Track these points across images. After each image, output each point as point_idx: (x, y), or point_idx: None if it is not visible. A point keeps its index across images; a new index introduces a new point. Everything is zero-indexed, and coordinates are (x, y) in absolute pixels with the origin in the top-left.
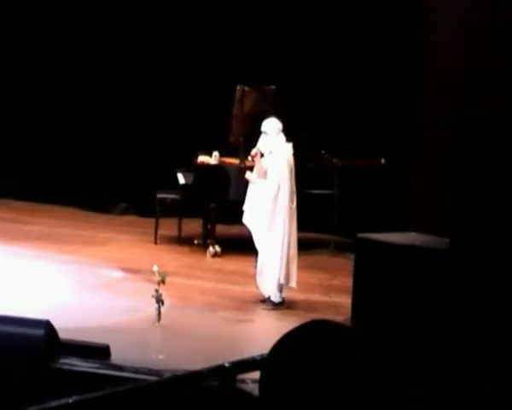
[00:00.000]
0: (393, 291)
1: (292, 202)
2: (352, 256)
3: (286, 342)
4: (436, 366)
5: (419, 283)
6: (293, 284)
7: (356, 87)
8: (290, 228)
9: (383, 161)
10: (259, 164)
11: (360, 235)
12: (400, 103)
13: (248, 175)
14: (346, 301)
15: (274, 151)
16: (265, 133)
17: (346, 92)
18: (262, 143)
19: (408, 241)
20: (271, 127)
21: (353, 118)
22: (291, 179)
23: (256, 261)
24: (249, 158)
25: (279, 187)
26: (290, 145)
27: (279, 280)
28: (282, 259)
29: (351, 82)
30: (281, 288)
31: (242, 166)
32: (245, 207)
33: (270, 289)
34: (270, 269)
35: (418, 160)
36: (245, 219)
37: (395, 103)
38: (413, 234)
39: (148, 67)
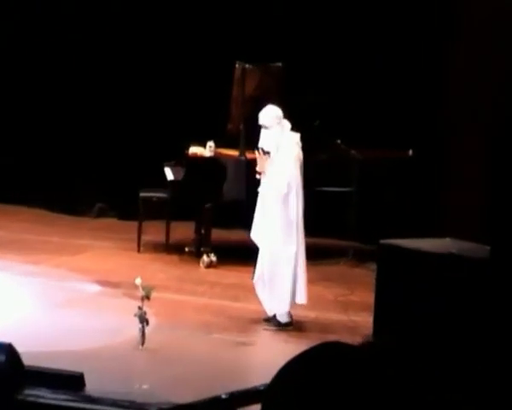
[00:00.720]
0: (424, 307)
1: (301, 206)
2: (374, 267)
3: (291, 369)
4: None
5: (455, 297)
6: (303, 299)
7: (378, 65)
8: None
9: (411, 152)
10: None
11: (384, 241)
12: (431, 84)
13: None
14: (366, 320)
15: (281, 145)
16: (265, 127)
17: (366, 71)
18: (265, 141)
19: (442, 248)
20: (269, 119)
21: (375, 101)
22: (301, 179)
23: (254, 272)
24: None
25: (290, 187)
26: (298, 136)
27: (292, 298)
28: (297, 272)
29: (371, 59)
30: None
31: (243, 158)
32: (255, 220)
33: (276, 307)
34: (280, 284)
35: (453, 151)
36: (253, 234)
37: (425, 84)
38: (447, 240)
39: (130, 38)
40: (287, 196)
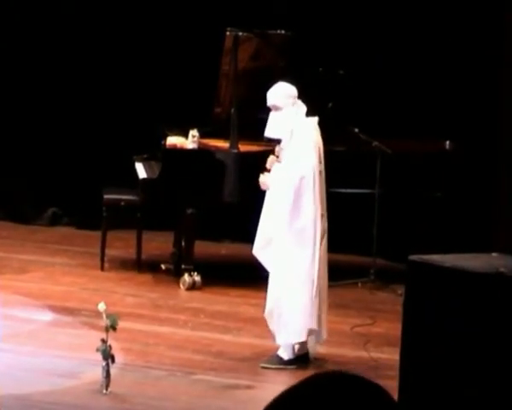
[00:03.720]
0: (466, 343)
1: (322, 211)
2: (402, 290)
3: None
4: None
5: (507, 331)
6: (323, 335)
7: (406, 31)
8: (320, 251)
9: (448, 144)
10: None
11: (414, 257)
12: (476, 55)
13: (266, 179)
14: (391, 356)
15: (295, 130)
16: (276, 108)
17: (392, 38)
18: (274, 126)
19: (488, 266)
20: (281, 98)
21: (402, 78)
22: (321, 176)
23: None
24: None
25: (304, 181)
26: (315, 121)
27: (307, 327)
28: (312, 295)
29: (399, 23)
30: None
31: (235, 151)
32: (260, 229)
33: (283, 339)
34: (290, 311)
35: (504, 144)
36: (257, 250)
37: (467, 55)
38: (494, 256)
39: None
40: (298, 192)
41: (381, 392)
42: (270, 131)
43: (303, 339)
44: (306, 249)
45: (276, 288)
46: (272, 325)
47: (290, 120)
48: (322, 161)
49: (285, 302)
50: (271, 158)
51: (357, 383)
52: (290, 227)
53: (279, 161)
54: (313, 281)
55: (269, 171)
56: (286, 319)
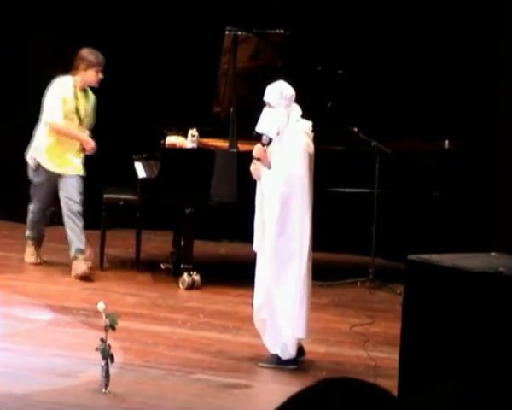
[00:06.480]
0: (465, 342)
1: (308, 213)
2: (401, 289)
3: None
4: None
5: (506, 330)
6: (301, 333)
7: (405, 31)
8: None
9: (448, 144)
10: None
11: (413, 257)
12: (475, 55)
13: (256, 167)
14: (390, 356)
15: (284, 134)
16: (269, 105)
17: (391, 38)
18: (264, 121)
19: (487, 266)
20: (275, 97)
21: (401, 78)
22: (310, 179)
23: (253, 296)
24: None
25: (291, 187)
26: (309, 125)
27: (294, 332)
28: (302, 300)
29: (398, 23)
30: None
31: (234, 150)
32: (256, 228)
33: (278, 342)
34: (283, 316)
35: (504, 143)
36: (256, 246)
37: (466, 54)
38: (493, 255)
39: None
40: (287, 199)
41: (388, 398)
42: (259, 126)
43: (294, 354)
44: (294, 258)
45: (265, 289)
46: (258, 324)
47: (279, 121)
48: (312, 168)
49: (274, 310)
50: (258, 146)
51: (368, 391)
52: (279, 236)
53: (265, 150)
54: (301, 290)
55: (258, 159)
56: (277, 331)
